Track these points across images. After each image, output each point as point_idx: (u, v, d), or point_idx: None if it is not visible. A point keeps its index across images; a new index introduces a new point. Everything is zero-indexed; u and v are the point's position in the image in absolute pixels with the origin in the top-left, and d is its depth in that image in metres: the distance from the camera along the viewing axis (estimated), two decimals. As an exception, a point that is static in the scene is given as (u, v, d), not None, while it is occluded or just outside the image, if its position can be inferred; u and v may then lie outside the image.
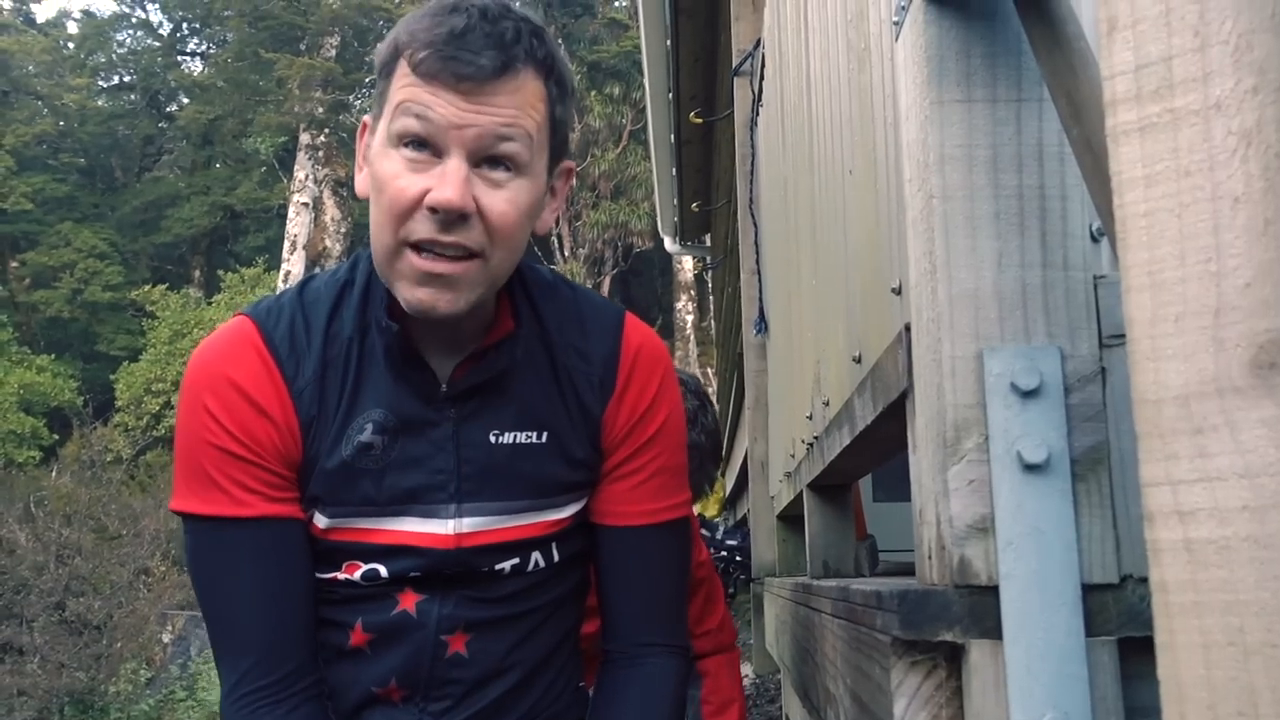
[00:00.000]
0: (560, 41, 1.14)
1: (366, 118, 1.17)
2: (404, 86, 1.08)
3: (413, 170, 1.07)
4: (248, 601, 1.16)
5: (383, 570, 1.20)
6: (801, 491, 2.32)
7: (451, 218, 1.06)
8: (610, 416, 1.25)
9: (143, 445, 18.66)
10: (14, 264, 25.88)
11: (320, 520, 1.19)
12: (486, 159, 1.09)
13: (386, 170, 1.08)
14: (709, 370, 17.40)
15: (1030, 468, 0.79)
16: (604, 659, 1.31)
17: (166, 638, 11.36)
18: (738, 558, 3.74)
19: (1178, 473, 0.62)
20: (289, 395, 1.17)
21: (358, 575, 1.20)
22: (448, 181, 1.06)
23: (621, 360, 1.26)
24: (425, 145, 1.08)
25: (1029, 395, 0.81)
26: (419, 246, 1.08)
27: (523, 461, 1.22)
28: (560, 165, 1.20)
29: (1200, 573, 0.60)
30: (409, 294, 1.10)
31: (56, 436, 20.24)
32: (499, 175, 1.09)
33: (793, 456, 2.44)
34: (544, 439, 1.23)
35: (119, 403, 21.28)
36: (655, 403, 1.27)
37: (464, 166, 1.07)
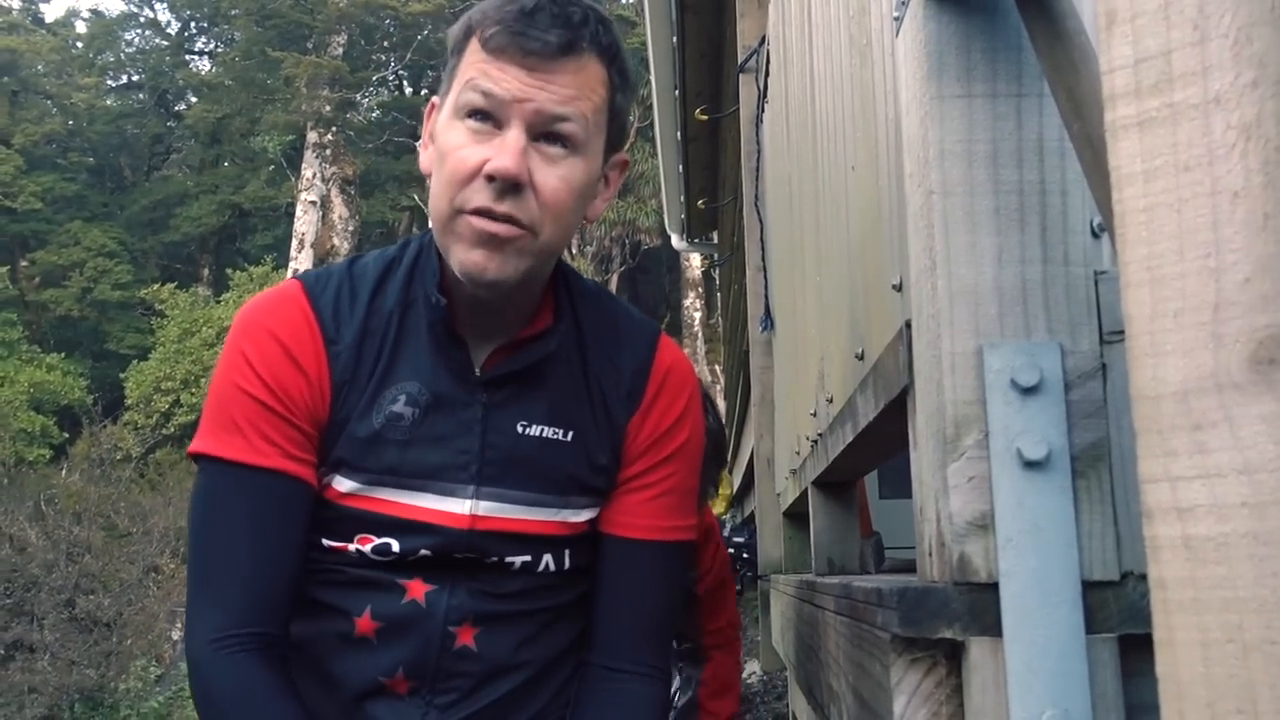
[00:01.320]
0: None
1: (435, 99, 1.21)
2: (473, 63, 1.13)
3: (474, 141, 1.12)
4: (241, 552, 1.18)
5: (395, 545, 1.20)
6: (807, 489, 2.31)
7: (507, 186, 1.10)
8: (634, 429, 1.27)
9: (152, 444, 18.71)
10: (24, 263, 25.97)
11: (342, 484, 1.21)
12: (544, 134, 1.13)
13: (450, 141, 1.13)
14: (716, 367, 17.39)
15: (1030, 464, 0.78)
16: (585, 673, 1.30)
17: (176, 635, 11.39)
18: (744, 555, 3.75)
19: (1176, 469, 0.61)
20: (326, 355, 1.19)
21: (369, 548, 1.21)
22: (505, 151, 1.10)
23: (652, 375, 1.28)
24: (488, 117, 1.12)
25: (1029, 392, 0.80)
26: (475, 213, 1.12)
27: (546, 456, 1.23)
28: (615, 156, 1.24)
29: (1199, 569, 0.59)
30: (464, 255, 1.13)
31: (66, 435, 20.30)
32: (555, 151, 1.13)
33: (798, 454, 2.44)
34: (569, 438, 1.25)
35: (128, 401, 21.33)
36: (679, 422, 1.29)
37: (523, 138, 1.11)
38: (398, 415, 1.19)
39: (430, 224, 1.19)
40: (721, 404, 13.53)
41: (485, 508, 1.21)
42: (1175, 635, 0.59)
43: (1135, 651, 0.76)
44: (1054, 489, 0.78)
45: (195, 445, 1.21)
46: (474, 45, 1.13)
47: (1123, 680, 0.76)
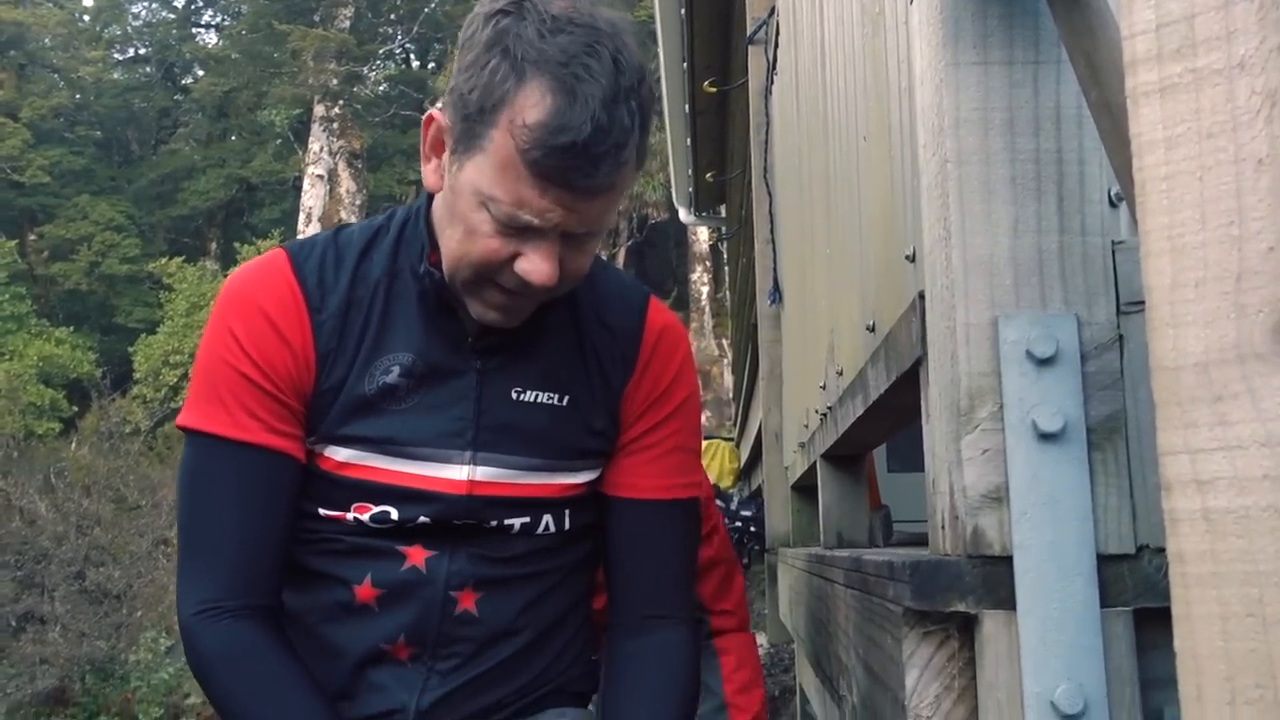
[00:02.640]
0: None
1: (436, 114, 1.15)
2: (510, 168, 1.05)
3: (502, 233, 1.09)
4: (226, 525, 1.19)
5: (394, 513, 1.21)
6: (815, 462, 2.31)
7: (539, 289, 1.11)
8: (631, 392, 1.28)
9: (161, 417, 18.77)
10: (32, 237, 25.99)
11: (338, 453, 1.21)
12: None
13: (476, 224, 1.10)
14: (724, 341, 17.37)
15: (1045, 436, 0.78)
16: (611, 631, 1.32)
17: (185, 606, 11.46)
18: (752, 528, 3.75)
19: (1196, 441, 0.61)
20: (310, 325, 1.20)
21: (367, 517, 1.21)
22: (542, 262, 1.09)
23: (645, 338, 1.29)
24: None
25: (1045, 363, 0.79)
26: (501, 290, 1.13)
27: (542, 421, 1.24)
28: None
29: (1219, 543, 0.59)
30: (479, 312, 1.16)
31: (75, 408, 20.37)
32: (584, 240, 1.13)
33: (806, 427, 2.43)
34: (565, 402, 1.25)
35: (137, 375, 21.37)
36: (675, 382, 1.30)
37: (557, 244, 1.10)
38: (392, 385, 1.20)
39: (444, 267, 1.17)
40: (729, 378, 13.50)
41: (483, 473, 1.22)
42: (1193, 609, 0.59)
43: (1150, 625, 0.76)
44: (1069, 461, 0.77)
45: (182, 418, 1.23)
46: (511, 150, 1.04)
47: (1138, 654, 0.75)
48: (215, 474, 1.20)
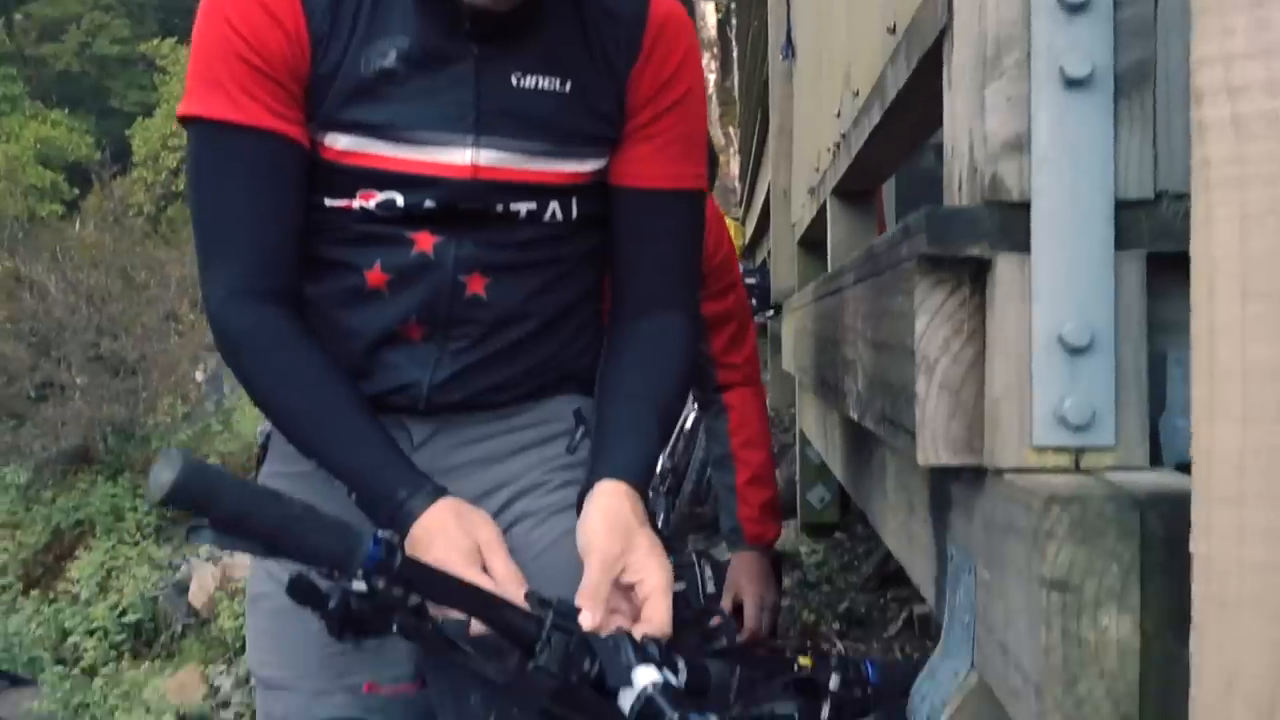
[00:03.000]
0: None
1: None
2: None
3: None
4: (239, 210, 1.21)
5: (399, 199, 1.21)
6: (825, 203, 2.29)
7: None
8: (636, 78, 1.26)
9: (162, 197, 18.64)
10: (18, 16, 25.15)
11: (339, 141, 1.21)
12: None
13: None
14: (731, 130, 17.05)
15: (1072, 83, 0.76)
16: (614, 318, 1.33)
17: (199, 376, 11.66)
18: (756, 290, 3.79)
19: (1232, 47, 0.59)
20: (302, 7, 1.18)
21: (373, 204, 1.22)
22: None
23: (649, 22, 1.26)
24: None
25: (1076, 10, 0.76)
26: None
27: (544, 106, 1.22)
28: None
29: (1246, 145, 0.58)
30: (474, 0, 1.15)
31: (77, 191, 20.21)
32: None
33: (817, 170, 2.41)
34: (567, 88, 1.23)
35: (136, 158, 21.13)
36: (680, 68, 1.28)
37: None
38: (389, 70, 1.18)
39: None
40: (735, 166, 13.34)
41: (486, 157, 1.21)
42: (1214, 212, 0.58)
43: (1163, 273, 0.76)
44: (1095, 107, 0.76)
45: (182, 108, 1.21)
46: None
47: (1148, 299, 0.76)
48: (222, 160, 1.20)
